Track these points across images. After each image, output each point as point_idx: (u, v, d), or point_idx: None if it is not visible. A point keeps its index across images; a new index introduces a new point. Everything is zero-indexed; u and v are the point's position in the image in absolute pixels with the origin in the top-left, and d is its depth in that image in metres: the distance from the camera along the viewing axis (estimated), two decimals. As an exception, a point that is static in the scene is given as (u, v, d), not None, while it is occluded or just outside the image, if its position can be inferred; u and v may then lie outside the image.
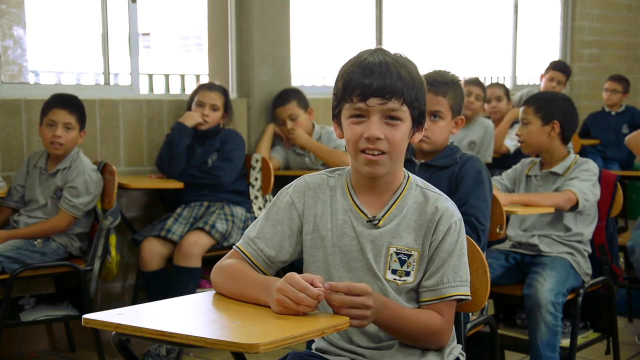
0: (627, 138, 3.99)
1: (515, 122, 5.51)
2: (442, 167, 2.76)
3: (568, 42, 7.59)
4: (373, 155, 1.78)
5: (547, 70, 6.22)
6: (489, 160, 5.06)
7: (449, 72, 2.82)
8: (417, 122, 1.84)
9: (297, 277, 1.66)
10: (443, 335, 1.85)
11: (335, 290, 1.65)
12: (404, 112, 1.78)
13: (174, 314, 1.70)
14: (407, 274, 1.84)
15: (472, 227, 2.63)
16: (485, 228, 2.67)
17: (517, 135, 3.42)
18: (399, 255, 1.84)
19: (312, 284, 1.64)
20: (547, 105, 3.31)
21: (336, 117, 1.86)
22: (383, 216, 1.85)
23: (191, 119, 4.13)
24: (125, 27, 4.40)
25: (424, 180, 1.92)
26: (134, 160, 4.29)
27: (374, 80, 1.74)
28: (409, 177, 1.90)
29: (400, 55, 1.82)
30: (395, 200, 1.86)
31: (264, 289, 1.71)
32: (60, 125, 3.59)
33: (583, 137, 6.35)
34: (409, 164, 2.76)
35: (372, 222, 1.85)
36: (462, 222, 1.86)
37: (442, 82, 2.75)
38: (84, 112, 3.70)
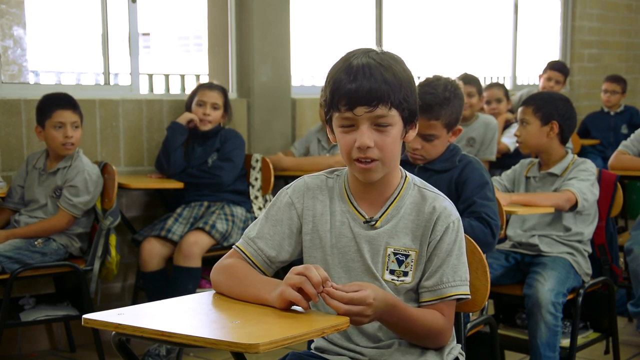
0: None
1: (510, 122, 5.50)
2: (440, 171, 2.75)
3: (568, 42, 7.59)
4: (366, 163, 1.77)
5: (545, 70, 6.22)
6: (493, 158, 4.99)
7: (445, 85, 2.71)
8: (409, 121, 1.82)
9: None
10: (445, 334, 1.86)
11: (337, 299, 1.64)
12: (393, 116, 1.76)
13: (174, 314, 1.70)
14: (405, 274, 1.84)
15: (485, 222, 2.60)
16: (497, 223, 2.64)
17: (515, 135, 3.40)
18: (397, 256, 1.84)
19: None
20: (546, 105, 3.30)
21: (328, 122, 1.85)
22: (380, 217, 1.85)
23: (184, 117, 4.15)
24: (125, 27, 4.40)
25: (422, 180, 1.92)
26: (134, 160, 4.29)
27: (358, 86, 1.72)
28: (406, 176, 1.90)
29: (386, 54, 1.79)
30: (393, 201, 1.86)
31: (269, 287, 1.71)
32: (69, 125, 3.60)
33: (583, 137, 6.34)
34: (407, 167, 2.74)
35: (369, 223, 1.85)
36: (460, 221, 1.86)
37: (435, 104, 2.66)
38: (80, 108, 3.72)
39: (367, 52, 1.78)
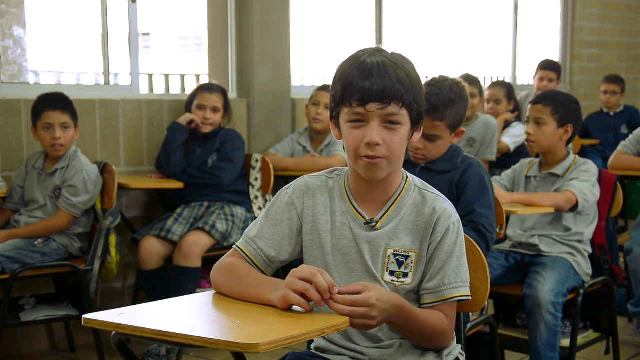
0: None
1: (509, 122, 5.49)
2: (442, 172, 2.75)
3: (568, 42, 7.59)
4: (372, 159, 1.77)
5: (537, 70, 6.22)
6: (493, 158, 4.98)
7: (451, 86, 2.70)
8: (416, 123, 1.83)
9: (313, 267, 1.68)
10: (448, 336, 1.86)
11: (340, 302, 1.65)
12: (403, 115, 1.77)
13: (174, 314, 1.70)
14: (405, 275, 1.84)
15: (481, 235, 2.61)
16: (493, 236, 2.65)
17: (528, 133, 3.30)
18: (397, 257, 1.84)
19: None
20: (564, 107, 3.24)
21: (334, 117, 1.86)
22: (381, 218, 1.85)
23: (185, 117, 4.15)
24: (125, 27, 4.40)
25: (422, 181, 1.92)
26: (134, 160, 4.29)
27: (373, 84, 1.73)
28: (407, 177, 1.90)
29: (398, 55, 1.80)
30: (394, 202, 1.86)
31: (270, 287, 1.71)
32: (57, 126, 3.60)
33: (583, 138, 6.34)
34: (409, 166, 2.74)
35: (370, 224, 1.85)
36: (460, 223, 1.86)
37: (440, 105, 2.65)
38: (74, 107, 3.70)
39: (378, 51, 1.79)
